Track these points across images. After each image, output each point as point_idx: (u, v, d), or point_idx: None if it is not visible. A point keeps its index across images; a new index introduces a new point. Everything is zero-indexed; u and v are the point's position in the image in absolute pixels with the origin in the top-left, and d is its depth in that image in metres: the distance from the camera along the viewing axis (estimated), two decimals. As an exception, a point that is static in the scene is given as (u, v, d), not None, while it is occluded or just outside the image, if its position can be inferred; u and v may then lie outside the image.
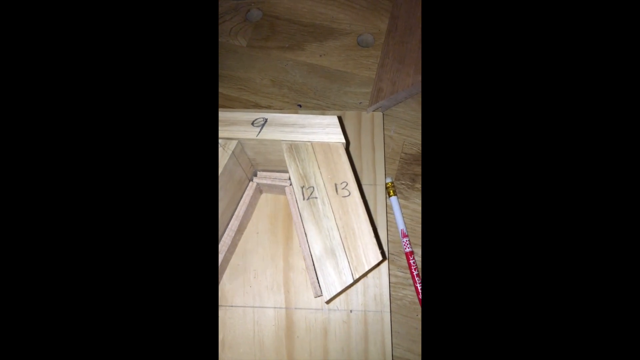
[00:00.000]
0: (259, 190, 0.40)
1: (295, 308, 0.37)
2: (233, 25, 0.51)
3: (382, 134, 0.43)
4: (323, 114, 0.45)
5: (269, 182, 0.37)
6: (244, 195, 0.37)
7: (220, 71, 0.49)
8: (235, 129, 0.31)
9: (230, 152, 0.30)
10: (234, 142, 0.31)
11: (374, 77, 0.47)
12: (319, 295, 0.34)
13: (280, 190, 0.39)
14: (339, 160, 0.31)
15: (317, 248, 0.28)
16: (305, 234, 0.29)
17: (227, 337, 0.36)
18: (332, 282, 0.27)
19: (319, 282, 0.32)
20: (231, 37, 0.51)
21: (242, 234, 0.39)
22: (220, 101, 0.47)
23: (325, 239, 0.28)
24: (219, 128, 0.32)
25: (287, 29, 0.51)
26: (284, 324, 0.36)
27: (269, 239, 0.39)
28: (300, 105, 0.46)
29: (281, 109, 0.46)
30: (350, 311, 0.37)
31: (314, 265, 0.34)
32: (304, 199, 0.29)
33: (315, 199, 0.29)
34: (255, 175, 0.38)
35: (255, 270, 0.38)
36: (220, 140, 0.31)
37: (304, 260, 0.36)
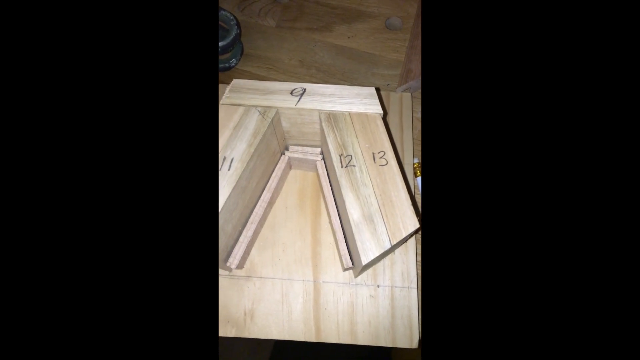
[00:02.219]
0: (289, 165, 0.40)
1: (323, 282, 0.37)
2: (262, 6, 0.52)
3: (410, 114, 0.44)
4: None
5: (300, 156, 0.38)
6: (276, 168, 0.38)
7: (249, 51, 0.49)
8: (274, 97, 0.32)
9: (269, 120, 0.31)
10: (274, 111, 0.31)
11: (401, 59, 0.48)
12: (349, 267, 0.35)
13: (310, 166, 0.39)
14: (377, 130, 0.31)
15: (355, 214, 0.28)
16: (343, 201, 0.29)
17: (256, 308, 0.36)
18: (370, 247, 0.28)
19: (349, 251, 0.32)
20: (260, 18, 0.51)
21: (272, 207, 0.39)
22: (249, 80, 0.48)
23: (363, 206, 0.29)
24: (258, 97, 0.32)
25: (315, 10, 0.52)
26: (311, 296, 0.37)
27: (298, 213, 0.40)
28: (328, 86, 0.47)
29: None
30: (378, 286, 0.37)
31: (344, 235, 0.35)
32: (342, 166, 0.30)
33: (353, 167, 0.30)
34: (287, 149, 0.39)
35: (284, 243, 0.38)
36: (259, 109, 0.32)
37: (334, 234, 0.36)
